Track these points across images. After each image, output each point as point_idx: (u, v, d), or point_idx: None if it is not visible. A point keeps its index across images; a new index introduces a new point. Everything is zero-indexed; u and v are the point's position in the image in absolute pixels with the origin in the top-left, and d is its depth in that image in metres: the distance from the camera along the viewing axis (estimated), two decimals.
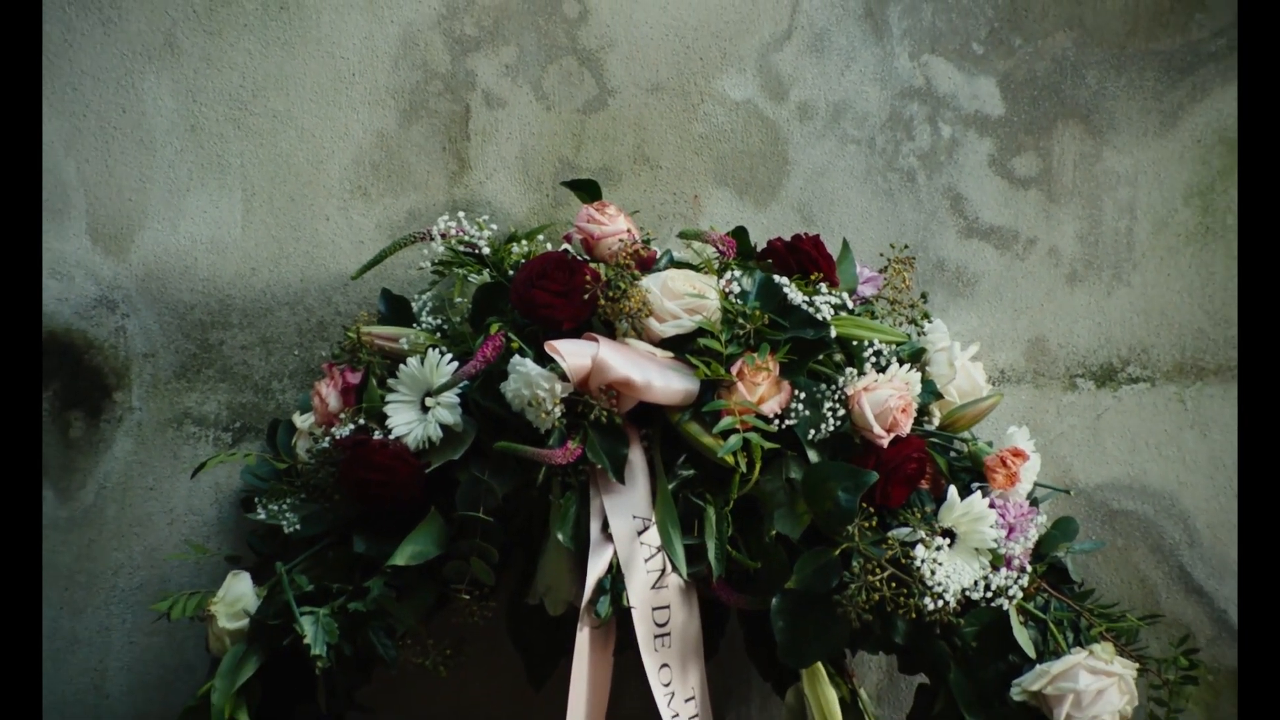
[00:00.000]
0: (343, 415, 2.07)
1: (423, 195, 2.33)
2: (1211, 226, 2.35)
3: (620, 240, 2.08)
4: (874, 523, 1.97)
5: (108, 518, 2.31)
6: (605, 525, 2.00)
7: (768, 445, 1.97)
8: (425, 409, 2.01)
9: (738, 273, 2.07)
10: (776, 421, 1.99)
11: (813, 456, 1.99)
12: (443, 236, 2.14)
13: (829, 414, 1.99)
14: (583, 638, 2.00)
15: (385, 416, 2.01)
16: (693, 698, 2.03)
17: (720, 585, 2.02)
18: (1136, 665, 2.02)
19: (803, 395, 2.00)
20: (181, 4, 2.31)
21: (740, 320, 2.01)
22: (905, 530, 1.98)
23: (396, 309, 2.18)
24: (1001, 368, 2.34)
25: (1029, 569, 2.02)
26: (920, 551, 1.95)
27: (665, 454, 2.02)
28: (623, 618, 2.00)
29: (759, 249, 2.14)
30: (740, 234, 2.16)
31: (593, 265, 2.04)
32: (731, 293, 2.04)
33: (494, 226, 2.16)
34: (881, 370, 2.02)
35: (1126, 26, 2.35)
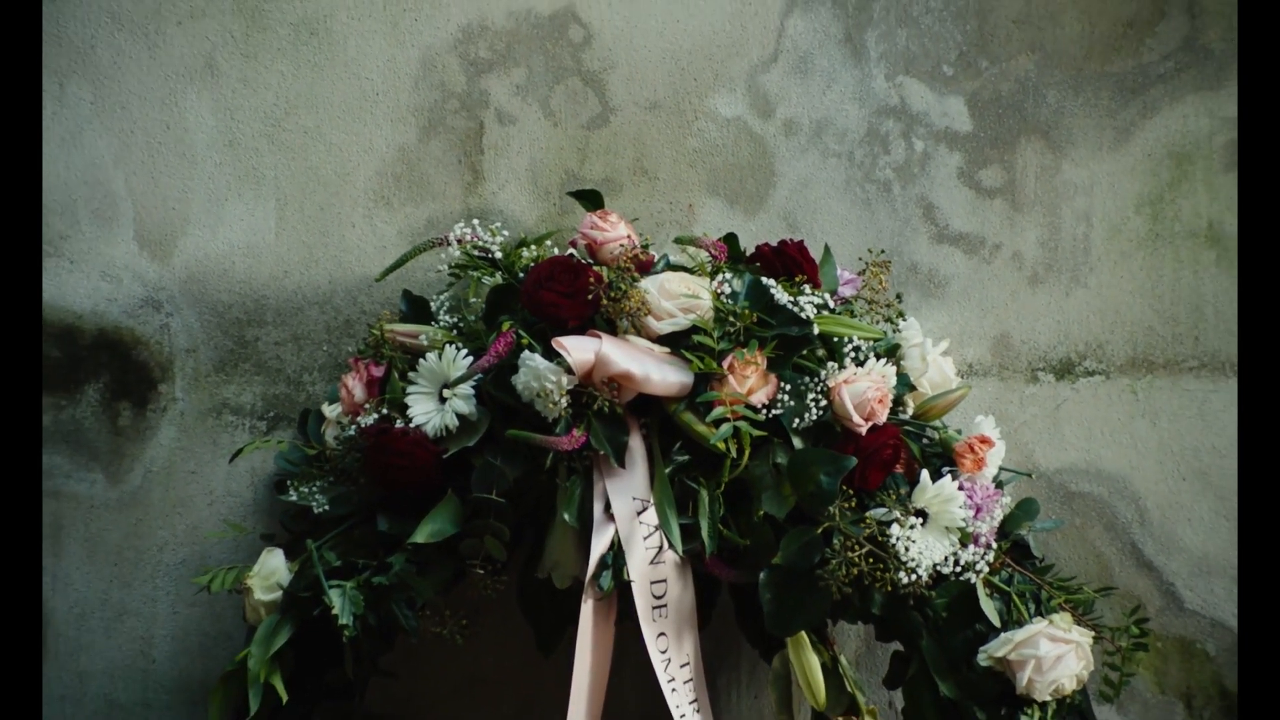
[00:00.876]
0: (367, 405, 2.07)
1: (440, 204, 2.33)
2: (1160, 233, 2.35)
3: (621, 245, 2.09)
4: (853, 504, 1.97)
5: (153, 499, 2.31)
6: (607, 506, 2.00)
7: (756, 433, 1.97)
8: (443, 400, 2.01)
9: (729, 275, 2.07)
10: (764, 411, 1.99)
11: (797, 443, 2.00)
12: (459, 242, 2.14)
13: (812, 404, 1.99)
14: (587, 609, 2.01)
15: (406, 407, 2.02)
16: (687, 663, 2.03)
17: (712, 561, 2.02)
18: (1092, 633, 2.03)
19: (788, 387, 2.00)
20: (220, 30, 2.31)
21: (731, 319, 2.02)
22: (882, 510, 1.98)
23: (416, 308, 2.19)
24: (969, 362, 2.34)
25: (994, 546, 2.03)
26: (895, 530, 1.96)
27: (662, 441, 2.02)
28: (623, 591, 2.00)
29: (748, 253, 2.15)
30: (731, 240, 2.17)
31: (596, 268, 2.04)
32: (723, 293, 2.04)
33: (505, 233, 2.17)
34: (860, 364, 2.03)
35: (1083, 51, 2.35)
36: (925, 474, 2.00)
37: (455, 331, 2.10)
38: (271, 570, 2.05)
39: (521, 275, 2.07)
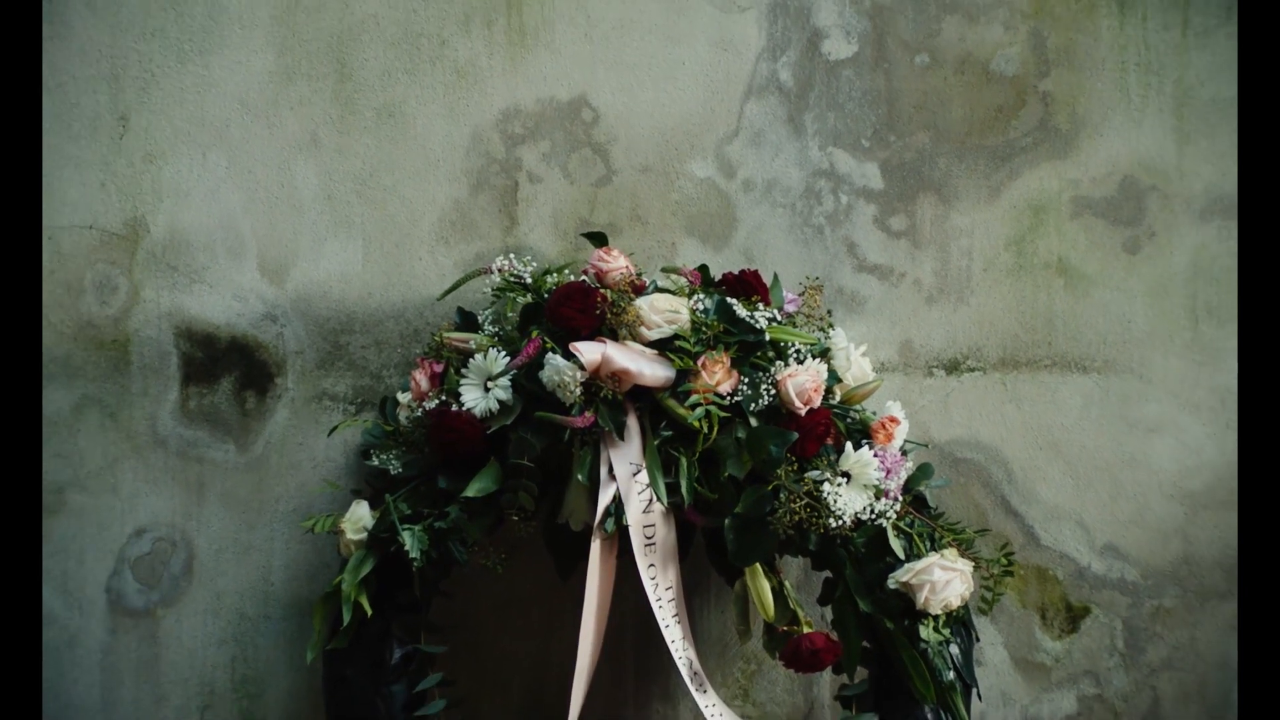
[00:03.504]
0: (431, 393, 2.07)
1: (485, 243, 2.33)
2: (1023, 265, 2.35)
3: (621, 273, 2.09)
4: (795, 467, 1.98)
5: (271, 463, 2.31)
6: (611, 469, 2.01)
7: (722, 414, 1.98)
8: (487, 389, 2.01)
9: (702, 296, 2.08)
10: (728, 398, 2.00)
11: (753, 422, 2.00)
12: (499, 271, 2.15)
13: (764, 393, 1.99)
14: (595, 546, 2.02)
15: (459, 394, 2.02)
16: (671, 587, 2.04)
17: (689, 510, 2.03)
18: (972, 563, 2.04)
19: (746, 380, 2.01)
20: (322, 113, 2.31)
21: (704, 329, 2.03)
22: (816, 472, 1.99)
23: (468, 320, 2.19)
24: (882, 361, 2.34)
25: (900, 499, 2.03)
26: (826, 487, 1.97)
27: (652, 420, 2.03)
28: (623, 533, 2.01)
29: (716, 279, 2.15)
30: (703, 269, 2.17)
31: (602, 291, 2.05)
32: (698, 310, 2.05)
33: (534, 264, 2.17)
34: (800, 363, 2.03)
35: (965, 129, 2.35)
36: (849, 445, 2.01)
37: (496, 338, 2.11)
38: (359, 517, 2.05)
39: (546, 296, 2.08)
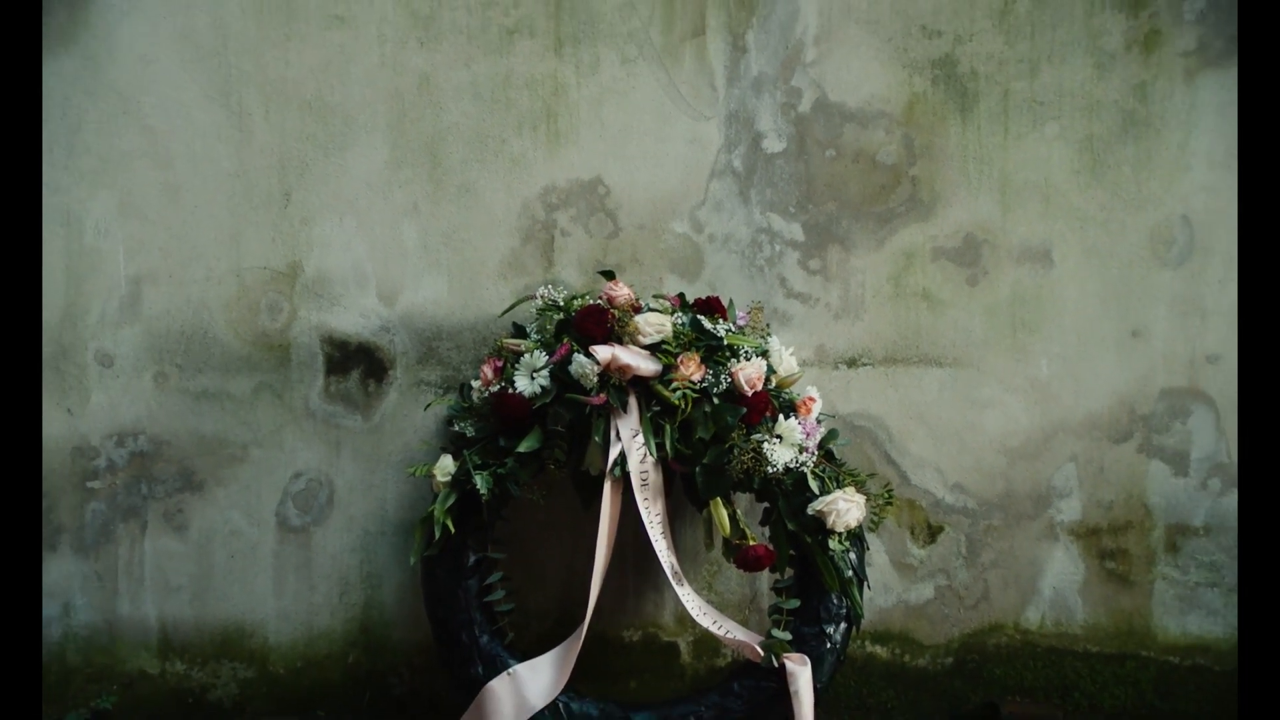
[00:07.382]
0: (494, 381, 2.08)
1: (532, 278, 2.31)
2: (899, 293, 2.35)
3: (625, 299, 2.10)
4: (744, 432, 1.99)
5: (385, 429, 2.30)
6: (617, 433, 2.02)
7: (694, 395, 2.00)
8: (533, 378, 2.00)
9: (680, 314, 2.09)
10: (699, 384, 2.00)
11: (716, 401, 2.00)
12: (541, 297, 2.15)
13: (723, 380, 2.00)
14: (607, 486, 2.04)
15: (514, 381, 2.02)
16: (659, 513, 2.05)
17: (672, 461, 2.05)
18: (865, 497, 2.05)
19: (711, 372, 2.01)
20: (421, 190, 2.32)
21: (681, 336, 2.04)
22: (759, 435, 2.00)
23: (519, 331, 2.19)
24: (804, 359, 2.34)
25: (816, 453, 2.04)
26: (766, 445, 1.98)
27: (646, 399, 2.05)
28: (625, 476, 2.02)
29: (690, 303, 2.16)
30: (681, 296, 2.20)
31: (612, 310, 2.05)
32: (677, 323, 2.06)
33: (565, 292, 2.17)
34: (748, 360, 2.04)
35: (860, 200, 2.35)
36: (781, 416, 2.03)
37: (539, 343, 2.10)
38: (446, 465, 2.06)
39: (573, 314, 2.07)
